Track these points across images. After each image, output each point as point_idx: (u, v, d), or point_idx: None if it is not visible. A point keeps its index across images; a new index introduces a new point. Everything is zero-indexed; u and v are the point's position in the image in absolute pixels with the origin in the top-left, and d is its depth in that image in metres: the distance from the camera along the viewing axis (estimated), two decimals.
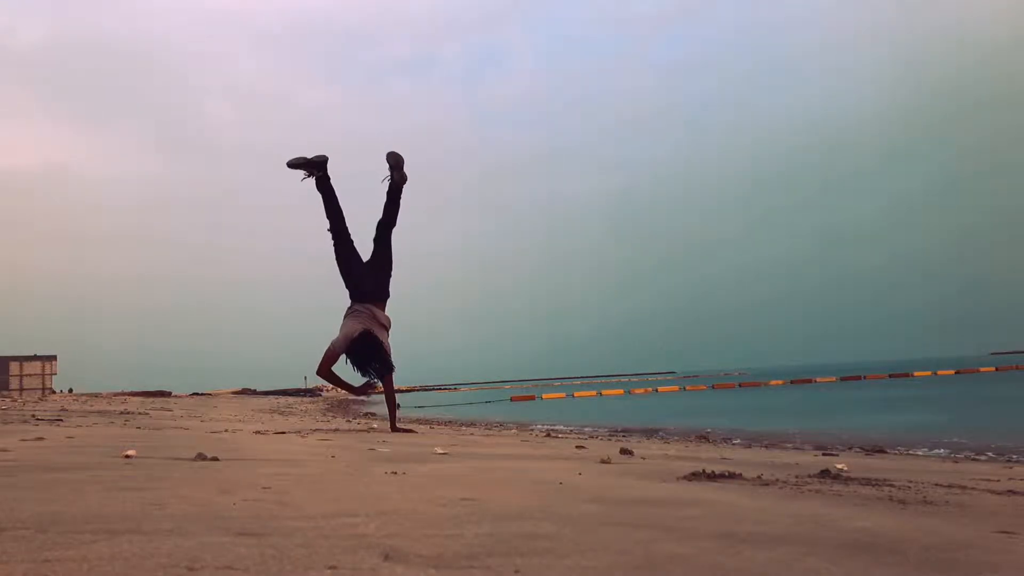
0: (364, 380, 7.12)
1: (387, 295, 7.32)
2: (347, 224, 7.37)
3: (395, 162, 7.40)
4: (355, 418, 14.41)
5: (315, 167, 7.34)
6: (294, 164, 7.32)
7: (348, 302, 7.25)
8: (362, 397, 7.64)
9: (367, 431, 7.17)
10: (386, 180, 7.39)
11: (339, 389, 8.09)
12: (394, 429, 7.33)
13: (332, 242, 7.35)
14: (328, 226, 7.34)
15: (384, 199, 7.41)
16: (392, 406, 7.52)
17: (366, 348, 6.97)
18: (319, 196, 7.38)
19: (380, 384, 7.20)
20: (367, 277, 7.26)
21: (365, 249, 7.41)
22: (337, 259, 7.34)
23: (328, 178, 7.37)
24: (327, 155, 7.38)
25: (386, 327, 7.19)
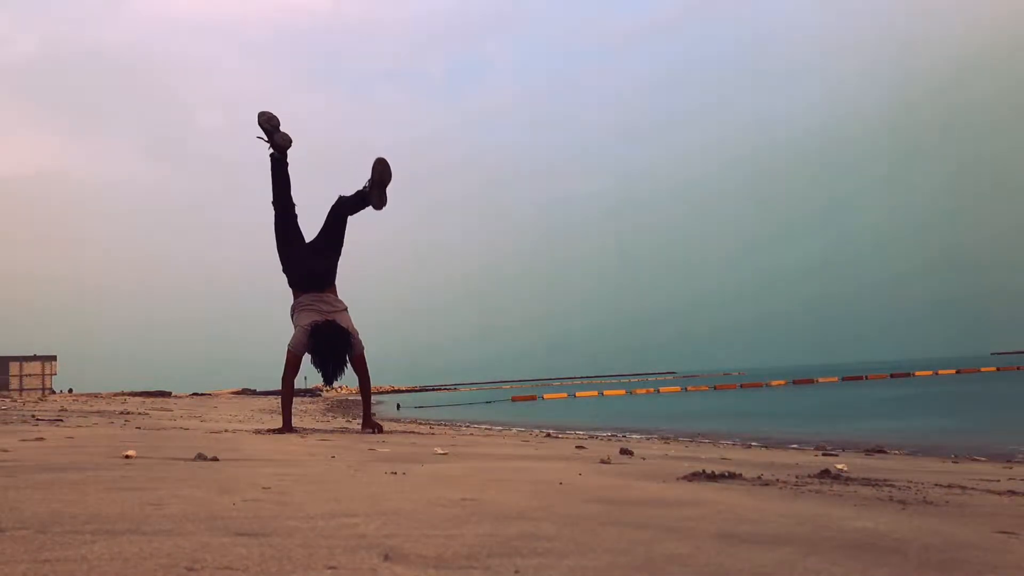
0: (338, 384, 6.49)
1: (333, 280, 6.48)
2: (294, 201, 6.60)
3: (380, 179, 6.36)
4: (355, 418, 14.39)
5: (276, 147, 6.56)
6: (263, 121, 6.51)
7: (290, 292, 6.47)
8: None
9: (368, 431, 7.16)
10: (365, 187, 6.37)
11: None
12: (366, 426, 6.64)
13: (275, 216, 6.54)
14: (272, 198, 6.55)
15: (354, 196, 6.45)
16: (367, 399, 6.75)
17: (326, 339, 6.14)
18: (270, 169, 6.58)
19: (330, 386, 6.65)
20: (311, 259, 6.41)
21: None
22: (277, 236, 6.53)
23: (284, 162, 6.59)
24: (292, 140, 6.56)
25: (344, 310, 6.38)
